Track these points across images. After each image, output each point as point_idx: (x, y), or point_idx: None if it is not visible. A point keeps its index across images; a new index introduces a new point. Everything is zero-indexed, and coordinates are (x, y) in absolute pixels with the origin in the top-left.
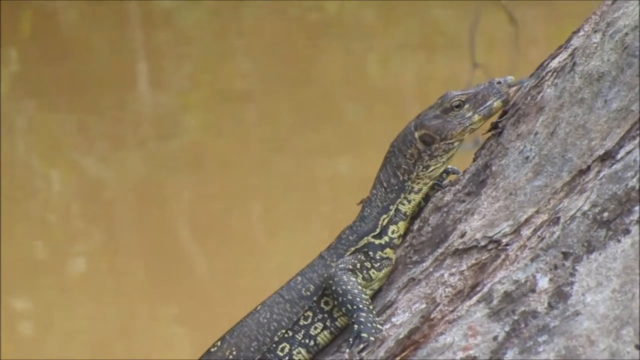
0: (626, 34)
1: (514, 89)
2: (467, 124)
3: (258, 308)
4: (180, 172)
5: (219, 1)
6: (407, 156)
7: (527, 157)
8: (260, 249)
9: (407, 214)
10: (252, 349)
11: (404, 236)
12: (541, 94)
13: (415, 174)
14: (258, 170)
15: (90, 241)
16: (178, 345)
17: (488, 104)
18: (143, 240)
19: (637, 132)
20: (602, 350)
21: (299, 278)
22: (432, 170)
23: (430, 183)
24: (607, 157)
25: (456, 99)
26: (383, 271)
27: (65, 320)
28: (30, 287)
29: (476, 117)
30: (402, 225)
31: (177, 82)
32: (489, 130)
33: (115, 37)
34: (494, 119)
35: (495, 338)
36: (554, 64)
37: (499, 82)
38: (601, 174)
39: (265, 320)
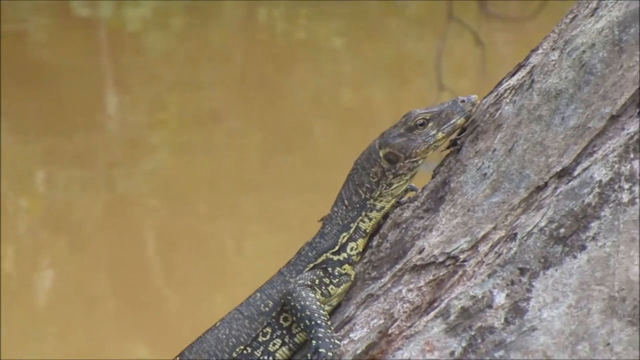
0: (584, 51)
1: (477, 106)
2: (431, 142)
3: (217, 324)
4: (149, 193)
5: (188, 25)
6: (371, 174)
7: (485, 174)
8: (230, 266)
9: (367, 231)
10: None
11: (362, 252)
12: (499, 111)
13: (378, 192)
14: (228, 190)
15: (58, 259)
16: None
17: (452, 122)
18: (112, 260)
19: (594, 149)
20: None
21: (258, 294)
22: (394, 188)
23: (393, 201)
24: (564, 173)
25: (420, 117)
26: (341, 287)
27: (33, 339)
28: None
29: (440, 135)
30: (361, 242)
31: (146, 106)
32: (448, 147)
33: (85, 61)
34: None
35: (452, 353)
36: (513, 81)
37: (462, 101)
38: (558, 191)
39: (224, 337)
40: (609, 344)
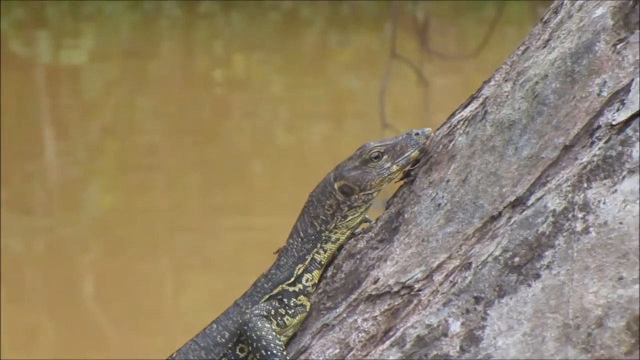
0: (536, 82)
1: (430, 139)
2: (386, 175)
3: (174, 355)
4: (87, 236)
5: (125, 67)
6: (326, 207)
7: (439, 204)
8: (167, 307)
9: (322, 263)
10: None
11: (317, 283)
12: (453, 142)
13: (333, 224)
14: (165, 231)
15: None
16: None
17: (406, 154)
18: (51, 301)
19: (548, 178)
20: None
21: (214, 325)
22: (349, 220)
23: (348, 233)
24: (518, 203)
25: (375, 150)
26: (297, 317)
27: None
28: None
29: (395, 168)
30: (316, 273)
31: (84, 149)
32: (402, 179)
33: (21, 103)
34: None
35: None
36: (466, 112)
37: (416, 134)
38: (512, 220)
39: None
40: None
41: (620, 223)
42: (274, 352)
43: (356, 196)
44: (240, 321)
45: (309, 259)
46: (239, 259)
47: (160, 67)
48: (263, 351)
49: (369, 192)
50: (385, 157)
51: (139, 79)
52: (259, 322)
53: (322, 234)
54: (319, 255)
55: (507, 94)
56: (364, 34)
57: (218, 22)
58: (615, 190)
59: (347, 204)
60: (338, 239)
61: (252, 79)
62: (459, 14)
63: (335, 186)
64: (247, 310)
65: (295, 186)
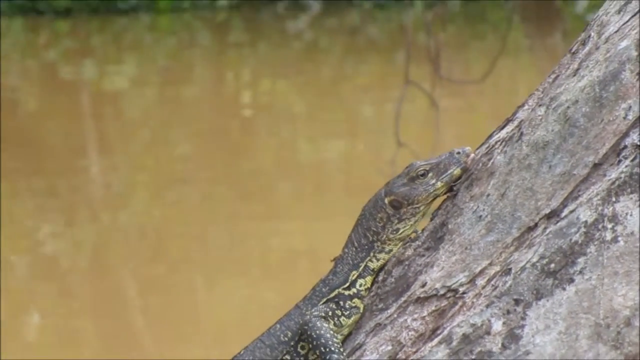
0: (568, 107)
1: (471, 157)
2: (432, 190)
3: (241, 352)
4: (128, 247)
5: (164, 86)
6: (377, 219)
7: (480, 216)
8: (201, 311)
9: (375, 270)
10: None
11: (370, 287)
12: (492, 161)
13: (384, 235)
14: (198, 241)
15: (46, 306)
16: None
17: (449, 172)
18: (96, 308)
19: (579, 193)
20: None
21: (278, 325)
22: (401, 233)
23: (400, 244)
24: (553, 215)
25: (421, 168)
26: (352, 318)
27: None
28: None
29: (439, 184)
30: (369, 279)
31: (125, 165)
32: (445, 193)
33: (70, 124)
34: None
35: None
36: (502, 134)
37: (458, 152)
38: (547, 230)
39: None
40: None
41: None
42: (332, 349)
43: (405, 209)
44: (301, 322)
45: (362, 266)
46: (265, 263)
47: (193, 91)
48: (322, 348)
49: (417, 206)
50: (430, 174)
51: (174, 102)
52: (318, 323)
53: (375, 244)
54: (371, 264)
55: (540, 117)
56: (376, 62)
57: (246, 50)
58: None
59: (396, 216)
60: (391, 250)
61: (276, 101)
62: (465, 45)
63: (386, 201)
64: (307, 312)
65: (315, 196)
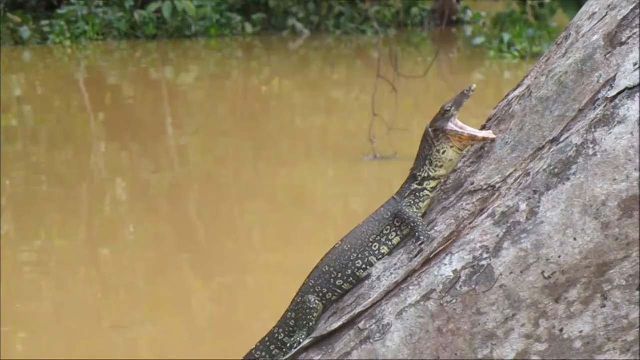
0: (561, 75)
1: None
2: (458, 131)
3: (360, 225)
4: (192, 187)
5: (213, 81)
6: (428, 143)
7: (507, 142)
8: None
9: (436, 177)
10: (358, 245)
11: (435, 187)
12: (511, 109)
13: (433, 153)
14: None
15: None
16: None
17: (464, 104)
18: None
19: (571, 127)
20: (555, 241)
21: (382, 209)
22: (444, 153)
23: (449, 166)
24: (555, 140)
25: (447, 106)
26: (425, 203)
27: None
28: None
29: (457, 113)
30: (433, 182)
31: (189, 132)
32: (481, 129)
33: (155, 105)
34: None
35: (497, 235)
36: (516, 93)
37: (467, 90)
38: (552, 149)
39: (365, 230)
40: (583, 229)
41: (614, 150)
42: (417, 222)
43: (442, 135)
44: (397, 207)
45: (425, 173)
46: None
47: (231, 84)
48: (412, 223)
49: (447, 135)
50: (453, 108)
51: (220, 92)
52: (406, 209)
53: (430, 158)
54: (432, 172)
55: (543, 82)
56: (346, 68)
57: (263, 60)
58: (611, 133)
59: (436, 139)
60: (442, 165)
61: (282, 92)
62: (406, 56)
63: (430, 130)
64: (400, 202)
65: (308, 150)
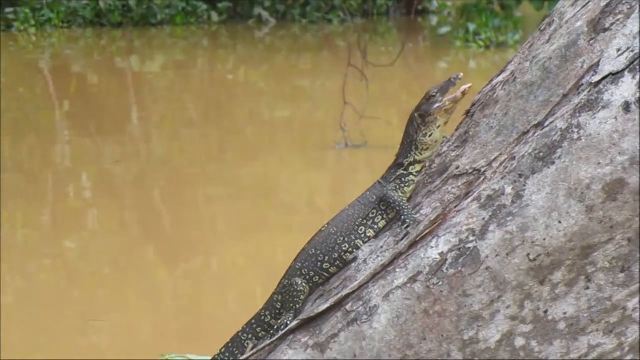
0: (545, 61)
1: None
2: (440, 105)
3: (346, 208)
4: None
5: (179, 70)
6: (413, 126)
7: (492, 127)
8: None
9: (420, 160)
10: (344, 228)
11: (420, 171)
12: (495, 94)
13: (419, 137)
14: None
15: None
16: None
17: (449, 90)
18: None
19: (555, 111)
20: (540, 224)
21: (368, 193)
22: (429, 135)
23: (434, 146)
24: (539, 125)
25: (432, 92)
26: (410, 187)
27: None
28: None
29: (445, 100)
30: (418, 166)
31: (154, 120)
32: (465, 114)
33: (120, 93)
34: (466, 104)
35: (483, 218)
36: (499, 78)
37: (454, 78)
38: (537, 134)
39: (351, 213)
40: (568, 212)
41: (598, 134)
42: (402, 206)
43: (427, 119)
44: (382, 191)
45: (411, 158)
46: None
47: (197, 74)
48: (397, 207)
49: (434, 116)
50: (438, 94)
51: (185, 80)
52: (392, 193)
53: (416, 143)
54: (417, 156)
55: (527, 67)
56: (310, 56)
57: (229, 49)
58: (595, 117)
59: (423, 124)
60: (427, 148)
61: (248, 80)
62: (381, 39)
63: (416, 115)
64: (385, 185)
65: (275, 138)
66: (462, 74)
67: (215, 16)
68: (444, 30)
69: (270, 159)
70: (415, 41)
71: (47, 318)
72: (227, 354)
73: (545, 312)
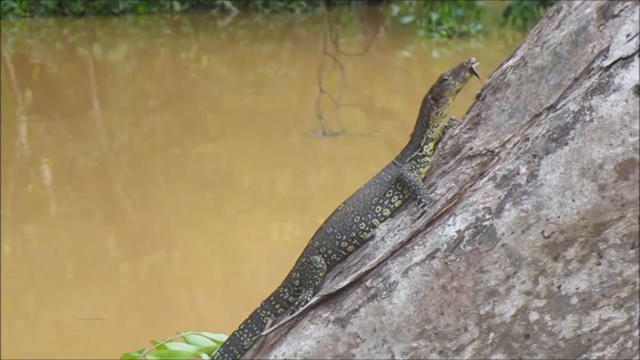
0: (556, 46)
1: (475, 65)
2: (452, 87)
3: (362, 188)
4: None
5: (141, 58)
6: (427, 107)
7: (504, 110)
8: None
9: (434, 139)
10: (360, 207)
11: (433, 151)
12: (507, 78)
13: (432, 116)
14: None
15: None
16: None
17: (462, 75)
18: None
19: (567, 94)
20: (554, 203)
21: (383, 173)
22: (442, 115)
23: (443, 122)
24: (552, 107)
25: (445, 75)
26: (425, 168)
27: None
28: None
29: (457, 83)
30: (431, 144)
31: (117, 109)
32: (476, 97)
33: (81, 82)
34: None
35: (499, 197)
36: (509, 63)
37: (466, 62)
38: (549, 116)
39: (367, 193)
40: (581, 191)
41: (610, 116)
42: (418, 185)
43: (440, 100)
44: (398, 171)
45: (425, 137)
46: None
47: (159, 63)
48: (413, 187)
49: (446, 97)
50: (451, 77)
51: (148, 69)
52: (407, 173)
53: (429, 122)
54: (430, 135)
55: (537, 52)
56: (272, 45)
57: (191, 38)
58: (606, 100)
59: (436, 104)
60: (438, 125)
61: (211, 69)
62: (342, 28)
63: (429, 96)
64: (401, 166)
65: (242, 121)
66: (474, 58)
67: (177, 5)
68: (407, 19)
69: (231, 148)
70: (378, 30)
71: (4, 304)
72: (247, 330)
73: (559, 287)
